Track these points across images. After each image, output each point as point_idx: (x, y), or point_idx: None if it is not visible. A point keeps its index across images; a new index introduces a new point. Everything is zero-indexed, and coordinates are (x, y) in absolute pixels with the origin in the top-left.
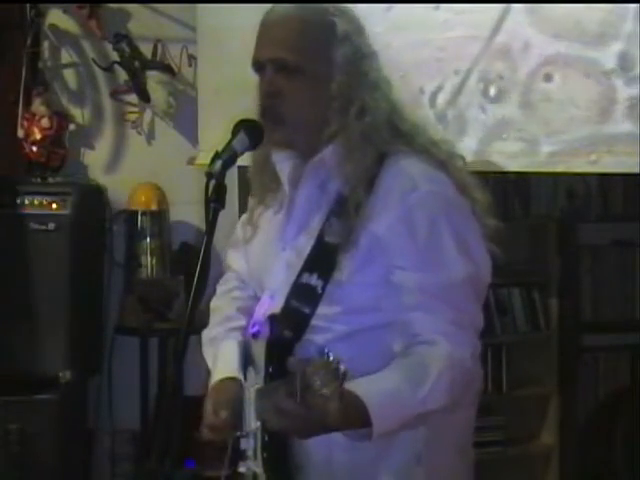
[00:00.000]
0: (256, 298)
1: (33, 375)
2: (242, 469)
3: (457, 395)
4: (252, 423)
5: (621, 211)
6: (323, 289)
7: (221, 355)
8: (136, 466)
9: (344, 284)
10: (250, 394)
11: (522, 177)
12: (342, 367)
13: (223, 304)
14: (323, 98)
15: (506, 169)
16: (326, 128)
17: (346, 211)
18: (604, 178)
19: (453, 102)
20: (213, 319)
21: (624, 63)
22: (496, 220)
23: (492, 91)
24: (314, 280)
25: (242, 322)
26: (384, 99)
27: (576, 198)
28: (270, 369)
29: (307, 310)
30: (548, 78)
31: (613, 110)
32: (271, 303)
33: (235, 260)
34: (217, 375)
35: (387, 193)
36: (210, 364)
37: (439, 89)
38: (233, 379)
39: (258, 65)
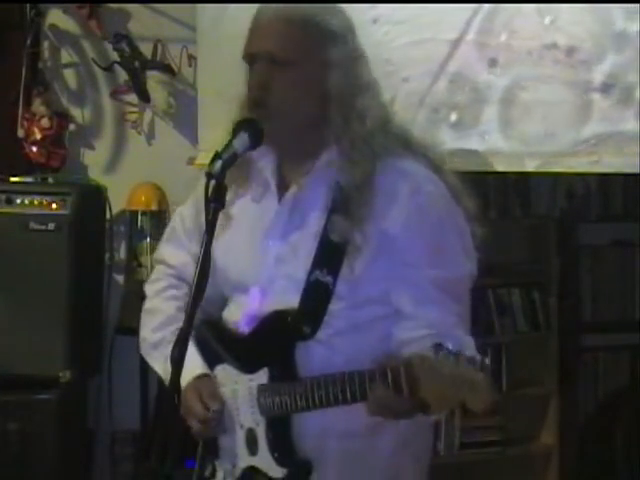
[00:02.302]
0: (219, 292)
1: (33, 375)
2: (227, 465)
3: None
4: (246, 419)
5: (621, 211)
6: (334, 285)
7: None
8: (136, 466)
9: (352, 281)
10: (238, 391)
11: (522, 177)
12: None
13: (160, 305)
14: (315, 96)
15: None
16: (326, 130)
17: (350, 210)
18: (604, 178)
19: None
20: (150, 322)
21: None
22: (482, 229)
23: (453, 117)
24: (325, 277)
25: None
26: (378, 103)
27: (576, 198)
28: (274, 367)
29: (322, 307)
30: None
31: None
32: (262, 298)
33: (173, 255)
34: (187, 374)
35: (391, 193)
36: (159, 368)
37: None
38: (207, 375)
39: (249, 57)
